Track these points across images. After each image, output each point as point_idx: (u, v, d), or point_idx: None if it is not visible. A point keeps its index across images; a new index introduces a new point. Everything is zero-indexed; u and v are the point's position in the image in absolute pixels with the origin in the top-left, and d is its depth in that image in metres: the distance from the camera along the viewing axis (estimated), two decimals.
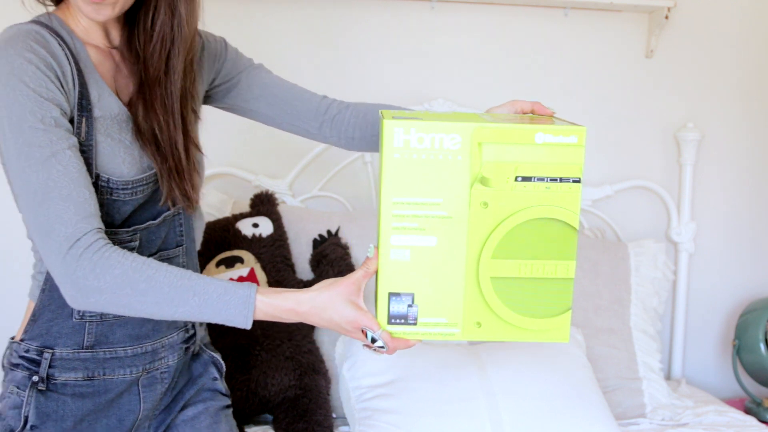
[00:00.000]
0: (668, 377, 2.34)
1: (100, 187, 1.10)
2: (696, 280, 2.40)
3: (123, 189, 1.12)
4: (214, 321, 1.06)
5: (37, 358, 1.15)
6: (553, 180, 1.03)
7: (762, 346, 2.19)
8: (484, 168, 1.02)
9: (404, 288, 1.04)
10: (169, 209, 1.21)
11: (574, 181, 1.03)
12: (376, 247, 1.06)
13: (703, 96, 2.39)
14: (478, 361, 1.80)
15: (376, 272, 1.05)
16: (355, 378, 1.79)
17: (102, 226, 1.05)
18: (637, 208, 2.37)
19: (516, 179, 1.02)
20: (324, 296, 1.06)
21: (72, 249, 1.00)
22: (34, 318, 1.17)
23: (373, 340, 1.06)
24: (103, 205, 1.09)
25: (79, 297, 1.02)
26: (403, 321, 1.05)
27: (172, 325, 1.25)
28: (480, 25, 2.29)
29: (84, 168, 1.05)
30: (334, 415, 1.78)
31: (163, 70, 1.15)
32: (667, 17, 2.24)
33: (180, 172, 1.17)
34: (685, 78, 2.37)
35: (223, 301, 1.03)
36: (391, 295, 1.04)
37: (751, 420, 1.96)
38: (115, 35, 1.19)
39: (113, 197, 1.12)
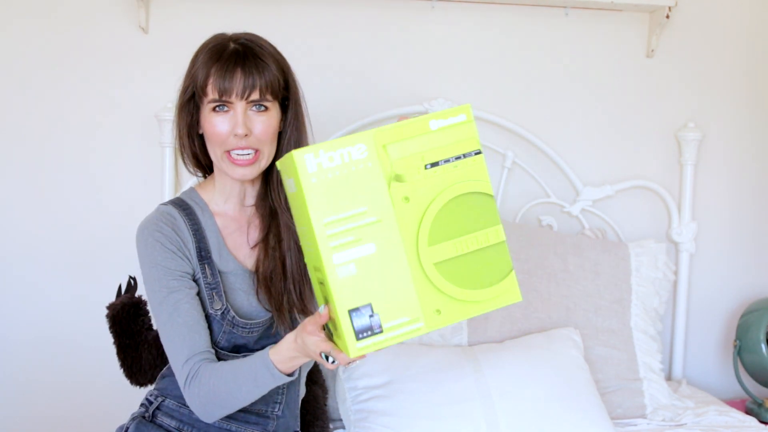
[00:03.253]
0: (669, 378, 2.34)
1: (227, 319, 1.42)
2: (697, 280, 2.40)
3: (243, 327, 1.43)
4: (266, 391, 1.34)
5: (152, 400, 1.52)
6: (458, 158, 1.11)
7: (763, 346, 2.18)
8: (395, 166, 1.08)
9: (361, 301, 1.06)
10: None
11: (476, 154, 1.12)
12: (327, 305, 1.11)
13: (704, 95, 2.38)
14: (474, 362, 1.79)
15: (330, 295, 1.08)
16: (351, 379, 1.79)
17: (206, 347, 1.38)
18: (638, 208, 2.37)
19: (426, 167, 1.09)
20: (298, 329, 1.25)
21: (185, 382, 1.36)
22: (162, 377, 1.56)
23: (333, 360, 1.17)
24: (225, 332, 1.43)
25: (199, 412, 1.39)
26: (369, 333, 1.06)
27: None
28: (480, 25, 2.29)
29: (195, 308, 1.39)
30: (331, 427, 1.78)
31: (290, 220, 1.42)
32: (668, 17, 2.23)
33: (290, 311, 1.44)
34: (686, 77, 2.37)
35: (258, 378, 1.31)
36: (350, 312, 1.06)
37: (752, 420, 1.96)
38: (251, 197, 1.49)
39: (233, 330, 1.43)
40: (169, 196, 2.12)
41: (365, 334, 1.06)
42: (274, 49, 1.44)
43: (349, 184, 1.05)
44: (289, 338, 1.27)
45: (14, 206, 2.18)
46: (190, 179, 2.15)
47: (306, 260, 1.19)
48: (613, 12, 2.32)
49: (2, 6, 2.14)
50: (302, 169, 1.04)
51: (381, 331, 1.06)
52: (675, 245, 2.34)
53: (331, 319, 1.11)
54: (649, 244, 2.18)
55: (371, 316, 1.06)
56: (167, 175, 2.13)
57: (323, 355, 1.18)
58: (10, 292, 2.19)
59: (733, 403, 2.28)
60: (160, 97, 2.16)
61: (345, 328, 1.06)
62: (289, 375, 1.31)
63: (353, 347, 1.06)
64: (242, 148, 1.38)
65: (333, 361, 1.17)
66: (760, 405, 2.24)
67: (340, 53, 2.25)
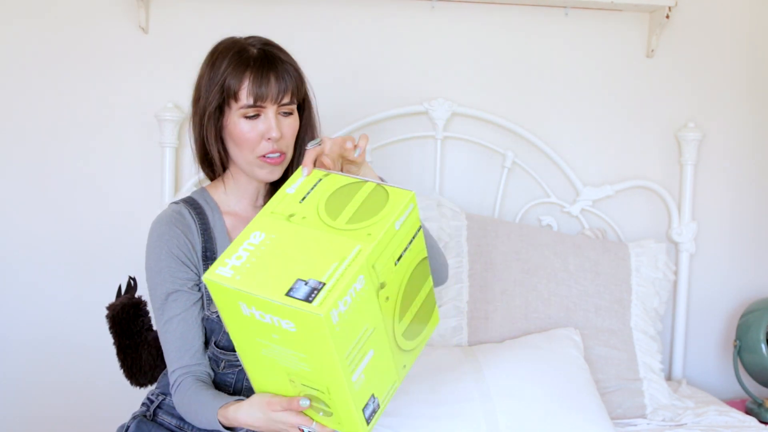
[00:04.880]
0: (669, 378, 2.34)
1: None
2: (697, 280, 2.40)
3: None
4: None
5: (153, 399, 1.54)
6: (410, 242, 1.21)
7: (763, 346, 2.18)
8: (380, 276, 1.15)
9: (368, 396, 1.17)
10: None
11: (419, 230, 1.23)
12: (310, 400, 1.19)
13: (704, 95, 2.38)
14: (474, 362, 1.79)
15: (343, 400, 1.15)
16: None
17: (195, 360, 1.42)
18: (638, 208, 2.36)
19: (395, 264, 1.18)
20: (256, 400, 1.25)
21: (171, 388, 1.43)
22: (165, 375, 1.57)
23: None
24: (225, 333, 1.43)
25: (177, 409, 1.44)
26: (374, 413, 1.20)
27: None
28: (480, 25, 2.29)
29: (191, 319, 1.42)
30: None
31: None
32: (668, 16, 2.23)
33: None
34: (686, 77, 2.37)
35: (211, 423, 1.31)
36: (363, 409, 1.17)
37: (752, 420, 1.96)
38: (262, 196, 1.52)
39: None
40: (169, 196, 2.12)
41: (371, 417, 1.19)
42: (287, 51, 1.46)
43: (356, 313, 1.11)
44: (248, 413, 1.25)
45: (14, 206, 2.18)
46: (190, 179, 2.15)
47: (267, 380, 1.23)
48: (613, 12, 2.32)
49: (2, 6, 2.14)
50: (329, 325, 1.06)
51: (380, 407, 1.21)
52: (675, 245, 2.33)
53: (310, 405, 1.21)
54: (649, 244, 2.18)
55: (373, 401, 1.19)
56: (167, 175, 2.12)
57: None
58: (10, 292, 2.19)
59: (733, 403, 2.28)
60: (160, 97, 2.16)
61: (357, 420, 1.17)
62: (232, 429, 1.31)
63: (365, 430, 1.18)
64: (272, 152, 1.41)
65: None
66: (760, 405, 2.24)
67: (340, 53, 2.25)
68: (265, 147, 1.41)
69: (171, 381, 1.42)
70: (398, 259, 1.19)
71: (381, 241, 1.14)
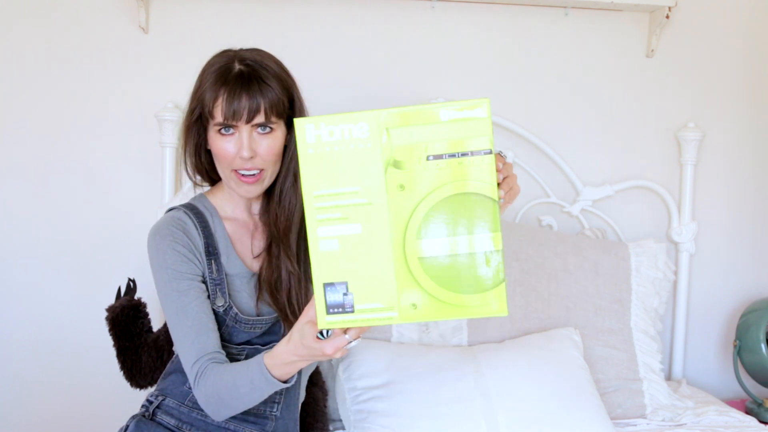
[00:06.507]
0: (669, 378, 2.34)
1: (230, 315, 1.46)
2: (697, 280, 2.40)
3: (245, 323, 1.47)
4: (266, 396, 1.35)
5: (153, 400, 1.53)
6: (464, 155, 1.05)
7: (763, 346, 2.18)
8: (396, 152, 1.04)
9: (337, 277, 1.07)
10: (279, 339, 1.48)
11: (485, 153, 1.05)
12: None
13: (704, 96, 2.38)
14: (474, 362, 1.79)
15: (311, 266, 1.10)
16: (351, 379, 1.79)
17: (214, 348, 1.41)
18: (638, 208, 2.36)
19: (428, 158, 1.05)
20: (294, 328, 1.26)
21: (194, 382, 1.40)
22: (164, 377, 1.57)
23: (322, 333, 1.17)
24: (228, 326, 1.47)
25: (207, 411, 1.42)
26: (340, 310, 1.08)
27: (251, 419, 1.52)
28: (480, 24, 2.28)
29: (204, 311, 1.42)
30: (330, 428, 1.79)
31: (285, 230, 1.48)
32: (668, 17, 2.23)
33: (294, 314, 1.47)
34: (686, 78, 2.37)
35: (255, 382, 1.32)
36: (325, 285, 1.07)
37: (752, 420, 1.96)
38: (256, 206, 1.54)
39: (236, 326, 1.47)
40: (169, 196, 2.12)
41: (336, 310, 1.08)
42: (279, 66, 1.45)
43: (345, 161, 1.04)
44: (283, 341, 1.28)
45: (14, 206, 2.18)
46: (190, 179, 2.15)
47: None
48: (613, 12, 2.32)
49: (2, 6, 2.14)
50: (301, 138, 1.05)
51: (352, 311, 1.08)
52: (675, 245, 2.34)
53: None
54: (649, 244, 2.18)
55: (345, 294, 1.07)
56: (167, 175, 2.12)
57: (320, 334, 1.18)
58: (11, 292, 2.19)
59: (733, 403, 2.28)
60: (160, 97, 2.16)
61: (318, 300, 1.08)
62: (285, 381, 1.32)
63: (322, 320, 1.08)
64: (247, 169, 1.42)
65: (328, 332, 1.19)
66: (760, 405, 2.24)
67: (339, 53, 2.24)
68: (239, 163, 1.41)
69: (193, 373, 1.39)
70: (434, 157, 1.05)
71: (409, 113, 1.04)
